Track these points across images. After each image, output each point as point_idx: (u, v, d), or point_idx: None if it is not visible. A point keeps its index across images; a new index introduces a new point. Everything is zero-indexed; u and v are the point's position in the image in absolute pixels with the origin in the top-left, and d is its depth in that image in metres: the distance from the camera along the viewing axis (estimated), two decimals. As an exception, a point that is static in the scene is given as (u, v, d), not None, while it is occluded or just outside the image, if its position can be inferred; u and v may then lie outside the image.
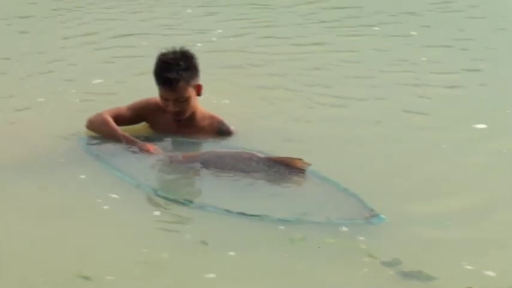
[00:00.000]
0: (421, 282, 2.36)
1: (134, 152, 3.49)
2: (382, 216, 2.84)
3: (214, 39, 5.73)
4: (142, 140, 3.57)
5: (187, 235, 2.82)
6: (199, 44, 5.22)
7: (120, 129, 3.60)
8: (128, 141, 3.53)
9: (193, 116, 3.64)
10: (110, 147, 3.54)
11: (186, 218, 2.96)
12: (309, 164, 3.20)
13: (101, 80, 4.69)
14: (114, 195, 3.12)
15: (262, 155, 3.30)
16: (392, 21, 6.28)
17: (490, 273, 2.44)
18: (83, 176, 3.33)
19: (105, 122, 3.59)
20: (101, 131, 3.63)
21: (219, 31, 5.93)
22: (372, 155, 3.55)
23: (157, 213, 3.00)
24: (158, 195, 3.12)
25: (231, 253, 2.64)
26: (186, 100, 3.52)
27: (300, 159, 3.22)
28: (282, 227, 2.81)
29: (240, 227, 2.86)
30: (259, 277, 2.51)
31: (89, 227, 2.90)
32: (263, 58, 5.17)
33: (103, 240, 2.79)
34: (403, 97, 4.41)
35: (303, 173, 3.21)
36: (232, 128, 3.68)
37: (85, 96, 4.39)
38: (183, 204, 3.06)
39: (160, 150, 3.51)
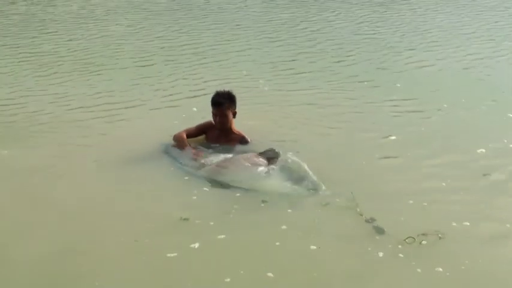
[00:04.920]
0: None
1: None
2: (323, 187, 4.61)
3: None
4: (198, 147, 5.49)
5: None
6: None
7: (187, 142, 5.45)
8: (184, 150, 5.39)
9: (229, 131, 5.55)
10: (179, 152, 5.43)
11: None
12: (278, 152, 5.02)
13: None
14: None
15: (252, 155, 5.07)
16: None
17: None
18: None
19: (179, 138, 5.51)
20: (176, 142, 5.52)
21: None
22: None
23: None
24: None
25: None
26: (226, 116, 5.44)
27: (272, 149, 5.05)
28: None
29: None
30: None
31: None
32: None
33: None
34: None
35: (276, 158, 4.98)
36: (249, 139, 5.57)
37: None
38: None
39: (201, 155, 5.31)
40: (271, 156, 5.05)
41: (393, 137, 5.91)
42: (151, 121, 6.35)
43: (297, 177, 4.81)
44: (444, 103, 6.94)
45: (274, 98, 7.25)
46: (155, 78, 7.98)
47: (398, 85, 7.78)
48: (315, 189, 4.65)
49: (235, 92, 5.62)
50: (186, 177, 5.00)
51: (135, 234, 4.14)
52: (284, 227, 4.27)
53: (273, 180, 4.80)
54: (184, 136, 5.55)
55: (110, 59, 8.92)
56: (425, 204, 4.60)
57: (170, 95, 7.31)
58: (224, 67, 8.59)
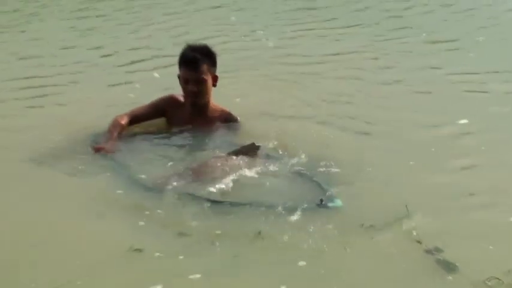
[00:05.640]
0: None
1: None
2: (338, 201, 3.24)
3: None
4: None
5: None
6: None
7: (116, 133, 3.94)
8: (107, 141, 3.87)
9: (205, 108, 4.05)
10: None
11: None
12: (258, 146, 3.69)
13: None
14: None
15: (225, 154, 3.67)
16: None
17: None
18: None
19: (112, 124, 3.98)
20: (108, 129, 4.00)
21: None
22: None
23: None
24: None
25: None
26: (204, 82, 3.95)
27: (252, 143, 3.70)
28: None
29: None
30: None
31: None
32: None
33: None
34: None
35: (256, 150, 3.66)
36: (238, 117, 4.13)
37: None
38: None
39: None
40: (258, 156, 3.69)
41: (464, 123, 4.39)
42: (95, 96, 4.89)
43: (301, 186, 3.50)
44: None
45: (281, 60, 5.70)
46: (102, 33, 6.54)
47: (480, 39, 6.12)
48: (327, 204, 3.27)
49: (215, 49, 4.08)
50: (142, 186, 3.50)
51: (66, 272, 2.80)
52: (294, 259, 2.88)
53: (267, 192, 3.43)
54: (124, 122, 4.03)
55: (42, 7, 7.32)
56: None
57: (124, 57, 5.88)
58: (204, 13, 7.04)
